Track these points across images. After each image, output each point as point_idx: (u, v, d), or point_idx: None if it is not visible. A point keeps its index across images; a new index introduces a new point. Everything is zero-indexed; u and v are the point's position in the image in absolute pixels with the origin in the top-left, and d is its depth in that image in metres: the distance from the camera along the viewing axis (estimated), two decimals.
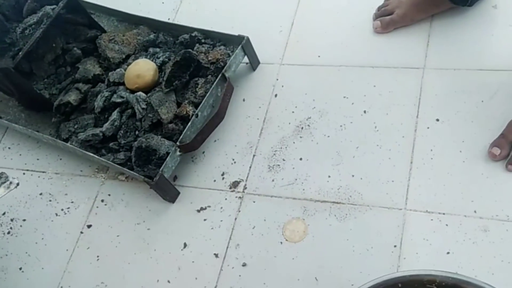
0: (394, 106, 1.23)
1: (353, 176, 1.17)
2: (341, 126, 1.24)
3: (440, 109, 1.20)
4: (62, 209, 1.29)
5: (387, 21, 1.33)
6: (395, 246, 1.06)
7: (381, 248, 1.07)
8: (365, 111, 1.24)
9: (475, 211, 1.06)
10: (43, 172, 1.36)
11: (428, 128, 1.18)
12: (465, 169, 1.11)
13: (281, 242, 1.12)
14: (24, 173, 1.37)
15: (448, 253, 1.03)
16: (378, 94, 1.26)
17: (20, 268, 1.23)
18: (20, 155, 1.41)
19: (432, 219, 1.07)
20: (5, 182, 1.09)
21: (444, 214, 1.07)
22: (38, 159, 1.39)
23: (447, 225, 1.06)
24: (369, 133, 1.21)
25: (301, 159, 1.22)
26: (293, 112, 1.29)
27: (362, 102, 1.26)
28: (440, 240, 1.05)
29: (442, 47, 1.29)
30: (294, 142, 1.24)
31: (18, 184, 1.10)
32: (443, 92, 1.22)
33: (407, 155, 1.16)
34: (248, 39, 1.31)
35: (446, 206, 1.08)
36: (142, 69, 1.29)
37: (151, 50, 1.37)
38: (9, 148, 1.43)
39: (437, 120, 1.19)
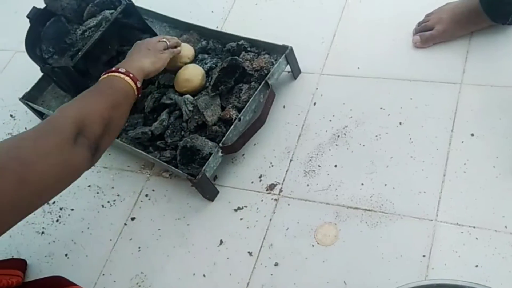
0: (429, 119, 1.20)
1: (385, 185, 1.14)
2: (376, 136, 1.21)
3: (476, 124, 1.16)
4: (108, 201, 1.30)
5: (427, 37, 1.29)
6: (424, 256, 1.03)
7: (410, 257, 1.03)
8: (400, 123, 1.21)
9: (505, 226, 1.02)
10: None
11: (462, 142, 1.14)
12: (498, 185, 1.07)
13: (313, 245, 1.10)
14: None
15: (476, 266, 0.99)
16: (414, 106, 1.23)
17: (66, 255, 1.24)
18: None
19: (462, 232, 1.04)
20: None
21: (474, 227, 1.03)
22: None
23: (477, 238, 1.02)
24: (403, 144, 1.18)
25: (336, 166, 1.20)
26: (330, 120, 1.27)
27: (398, 113, 1.23)
28: (469, 253, 1.01)
29: (480, 63, 1.25)
30: (330, 149, 1.22)
31: None
32: (479, 107, 1.18)
33: (441, 167, 1.12)
34: (291, 49, 1.30)
35: (477, 219, 1.04)
36: (191, 73, 1.29)
37: (199, 56, 1.37)
38: None
39: (472, 135, 1.15)
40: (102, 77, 1.07)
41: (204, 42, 1.40)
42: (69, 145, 0.84)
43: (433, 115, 1.20)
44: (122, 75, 1.06)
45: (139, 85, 1.08)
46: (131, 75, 1.07)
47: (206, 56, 1.37)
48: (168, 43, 1.27)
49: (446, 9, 1.30)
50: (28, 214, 0.80)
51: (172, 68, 1.32)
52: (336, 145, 1.23)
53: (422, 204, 1.09)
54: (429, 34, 1.29)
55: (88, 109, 0.92)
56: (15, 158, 0.77)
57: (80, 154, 0.86)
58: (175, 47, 1.30)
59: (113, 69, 1.08)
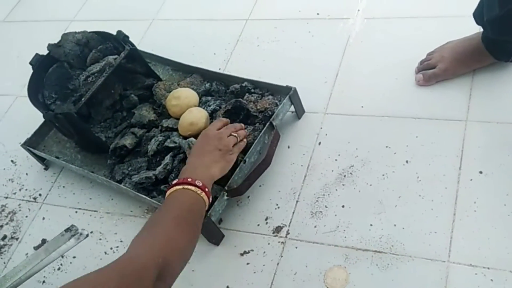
0: (436, 157, 1.18)
1: (395, 225, 1.11)
2: (383, 175, 1.19)
3: (483, 162, 1.15)
4: (111, 248, 1.27)
5: (429, 75, 1.29)
6: None
7: None
8: (407, 161, 1.20)
9: None
10: (95, 211, 1.36)
11: (471, 180, 1.13)
12: (510, 223, 1.05)
13: None
14: (76, 212, 1.37)
15: None
16: (420, 145, 1.21)
17: None
18: (74, 194, 1.41)
19: (476, 273, 1.01)
20: (75, 234, 1.10)
21: (489, 268, 1.00)
22: (90, 199, 1.38)
23: (492, 280, 0.99)
24: (411, 183, 1.16)
25: (343, 206, 1.17)
26: (336, 160, 1.25)
27: (404, 152, 1.21)
28: None
29: (484, 100, 1.24)
30: (336, 190, 1.20)
31: (87, 235, 1.11)
32: (486, 144, 1.17)
33: (450, 206, 1.10)
34: (295, 89, 1.30)
35: (491, 260, 1.01)
36: (196, 117, 1.29)
37: (203, 98, 1.37)
38: (63, 187, 1.43)
39: (481, 172, 1.13)
40: (176, 188, 0.99)
41: (207, 85, 1.40)
42: None
43: (440, 153, 1.19)
44: (199, 191, 0.99)
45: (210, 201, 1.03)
46: (206, 189, 1.01)
47: (209, 98, 1.36)
48: (238, 138, 1.17)
49: (447, 47, 1.31)
50: None
51: (177, 116, 1.32)
52: (343, 185, 1.21)
53: (433, 245, 1.06)
54: (431, 72, 1.29)
55: (170, 248, 0.85)
56: None
57: None
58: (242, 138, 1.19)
59: (188, 179, 1.00)
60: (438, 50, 1.32)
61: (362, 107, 1.33)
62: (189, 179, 1.01)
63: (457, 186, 1.13)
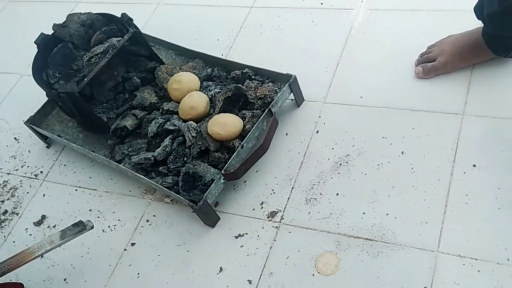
0: (431, 149, 1.19)
1: (387, 214, 1.12)
2: (378, 165, 1.20)
3: (478, 155, 1.15)
4: (109, 226, 1.29)
5: (429, 68, 1.29)
6: (425, 287, 1.01)
7: None
8: (402, 152, 1.20)
9: (508, 259, 1.00)
10: (94, 190, 1.37)
11: (464, 173, 1.13)
12: (500, 216, 1.06)
13: (313, 274, 1.08)
14: (76, 190, 1.38)
15: None
16: (416, 136, 1.22)
17: (65, 279, 1.22)
18: (75, 172, 1.42)
19: (464, 264, 1.01)
20: (83, 230, 1.12)
21: (476, 259, 1.01)
22: (90, 177, 1.40)
23: (479, 271, 1.00)
24: (405, 174, 1.17)
25: (337, 194, 1.18)
26: (332, 148, 1.26)
27: (400, 143, 1.22)
28: (471, 285, 0.99)
29: (482, 94, 1.24)
30: (332, 178, 1.21)
31: (92, 227, 1.13)
32: (481, 138, 1.17)
33: (442, 198, 1.11)
34: (295, 77, 1.30)
35: (479, 252, 1.02)
36: (196, 101, 1.29)
37: (204, 83, 1.37)
38: (64, 165, 1.45)
39: (474, 165, 1.14)
40: None
41: (209, 70, 1.40)
42: None
43: (435, 145, 1.19)
44: None
45: None
46: None
47: (210, 83, 1.37)
48: None
49: (448, 41, 1.31)
50: None
51: (178, 100, 1.32)
52: (338, 173, 1.22)
53: (424, 235, 1.07)
54: (431, 65, 1.29)
55: None
56: None
57: None
58: None
59: None
60: (438, 44, 1.32)
61: (361, 97, 1.33)
62: None
63: (450, 178, 1.13)
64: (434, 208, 1.10)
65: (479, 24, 1.25)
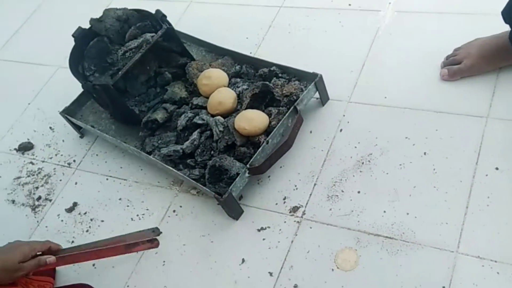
0: (454, 151, 1.18)
1: (407, 214, 1.12)
2: (400, 165, 1.20)
3: (501, 158, 1.14)
4: (137, 215, 1.32)
5: (455, 70, 1.28)
6: (443, 287, 1.00)
7: (429, 287, 1.01)
8: (425, 153, 1.20)
9: None
10: (124, 179, 1.40)
11: (486, 175, 1.12)
12: None
13: (333, 269, 1.09)
14: (107, 179, 1.41)
15: None
16: (439, 138, 1.21)
17: (93, 265, 1.25)
18: (106, 162, 1.45)
19: (483, 265, 1.01)
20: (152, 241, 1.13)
21: (496, 262, 1.01)
22: (121, 167, 1.43)
23: (498, 273, 0.99)
24: (427, 174, 1.16)
25: (359, 192, 1.19)
26: (355, 147, 1.26)
27: (423, 144, 1.21)
28: (490, 287, 0.98)
29: (507, 98, 1.23)
30: (354, 176, 1.21)
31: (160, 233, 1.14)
32: (505, 142, 1.16)
33: (464, 199, 1.10)
34: (321, 76, 1.30)
35: (499, 254, 1.01)
36: (224, 96, 1.31)
37: (232, 80, 1.39)
38: (96, 155, 1.48)
39: (497, 168, 1.12)
40: None
41: (237, 67, 1.42)
42: None
43: (458, 147, 1.18)
44: None
45: None
46: None
47: (238, 80, 1.38)
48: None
49: (475, 44, 1.29)
50: None
51: (207, 95, 1.34)
52: (360, 171, 1.22)
53: (443, 235, 1.07)
54: (457, 68, 1.28)
55: None
56: None
57: None
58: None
59: None
60: (465, 46, 1.31)
61: (386, 97, 1.33)
62: None
63: (472, 180, 1.12)
64: (455, 209, 1.10)
65: (506, 28, 1.23)
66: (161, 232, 1.14)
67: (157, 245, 1.13)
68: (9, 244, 1.07)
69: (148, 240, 1.12)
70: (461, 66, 1.28)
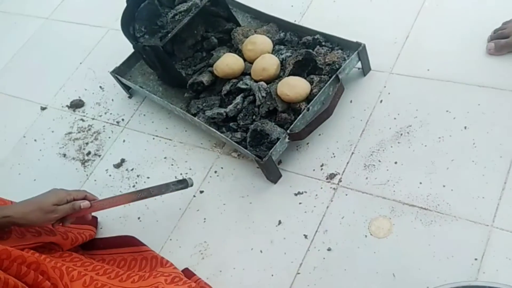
0: (495, 126, 1.14)
1: (444, 186, 1.10)
2: (439, 138, 1.17)
3: None
4: (181, 174, 1.33)
5: (502, 44, 1.22)
6: (475, 259, 0.99)
7: (461, 258, 1.00)
8: (465, 127, 1.16)
9: None
10: (170, 140, 1.41)
11: None
12: None
13: (366, 236, 1.09)
14: (153, 138, 1.43)
15: None
16: (481, 112, 1.17)
17: (139, 218, 1.29)
18: (153, 122, 1.47)
19: None
20: (185, 187, 1.14)
21: None
22: (167, 128, 1.44)
23: None
24: (466, 148, 1.13)
25: (396, 162, 1.16)
26: (395, 118, 1.23)
27: (464, 118, 1.17)
28: None
29: None
30: (391, 146, 1.19)
31: (192, 184, 1.16)
32: None
33: (502, 175, 1.07)
34: (364, 46, 1.27)
35: None
36: (268, 63, 1.29)
37: (276, 47, 1.37)
38: (144, 115, 1.50)
39: None
40: None
41: (282, 34, 1.39)
42: None
43: (500, 123, 1.14)
44: None
45: None
46: None
47: (282, 47, 1.36)
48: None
49: None
50: None
51: (252, 60, 1.33)
52: (398, 142, 1.19)
53: (479, 209, 1.04)
54: (504, 41, 1.22)
55: None
56: None
57: None
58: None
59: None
60: None
61: (428, 70, 1.28)
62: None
63: None
64: (493, 184, 1.07)
65: None
66: (192, 184, 1.15)
67: (186, 186, 1.13)
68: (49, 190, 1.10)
69: (178, 180, 1.13)
70: (508, 40, 1.22)
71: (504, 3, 1.31)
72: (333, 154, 1.23)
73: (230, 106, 1.27)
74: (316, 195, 1.18)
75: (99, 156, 1.45)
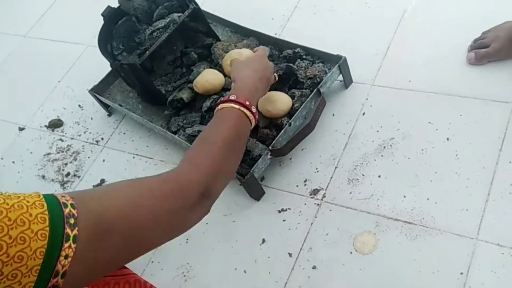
0: (478, 137, 1.15)
1: (428, 199, 1.10)
2: (422, 150, 1.17)
3: None
4: None
5: (482, 54, 1.24)
6: (461, 273, 0.99)
7: (447, 273, 1.00)
8: (448, 138, 1.17)
9: None
10: (150, 158, 1.41)
11: (510, 162, 1.09)
12: None
13: (351, 252, 1.08)
14: (134, 157, 1.42)
15: None
16: (463, 123, 1.18)
17: None
18: (133, 140, 1.46)
19: (503, 253, 0.99)
20: None
21: None
22: (147, 146, 1.43)
23: None
24: (449, 160, 1.14)
25: (379, 176, 1.17)
26: (377, 131, 1.24)
27: (446, 129, 1.18)
28: (509, 274, 0.96)
29: None
30: (375, 160, 1.19)
31: None
32: None
33: (485, 186, 1.08)
34: (345, 59, 1.27)
35: None
36: None
37: None
38: (124, 133, 1.49)
39: None
40: (232, 106, 0.92)
41: None
42: (191, 210, 0.77)
43: (482, 133, 1.15)
44: (252, 117, 0.94)
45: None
46: (257, 117, 0.97)
47: None
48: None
49: (504, 27, 1.24)
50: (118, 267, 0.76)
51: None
52: (382, 155, 1.20)
53: (463, 221, 1.05)
54: (484, 51, 1.24)
55: (217, 169, 0.81)
56: (129, 221, 0.69)
57: (198, 214, 0.79)
58: None
59: (246, 103, 0.94)
60: (493, 30, 1.26)
61: (410, 81, 1.29)
62: (247, 103, 0.94)
63: (495, 167, 1.09)
64: (476, 196, 1.07)
65: None
66: None
67: None
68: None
69: None
70: (488, 50, 1.23)
71: (483, 13, 1.33)
72: (317, 169, 1.23)
73: None
74: (300, 211, 1.18)
75: (79, 177, 1.43)
